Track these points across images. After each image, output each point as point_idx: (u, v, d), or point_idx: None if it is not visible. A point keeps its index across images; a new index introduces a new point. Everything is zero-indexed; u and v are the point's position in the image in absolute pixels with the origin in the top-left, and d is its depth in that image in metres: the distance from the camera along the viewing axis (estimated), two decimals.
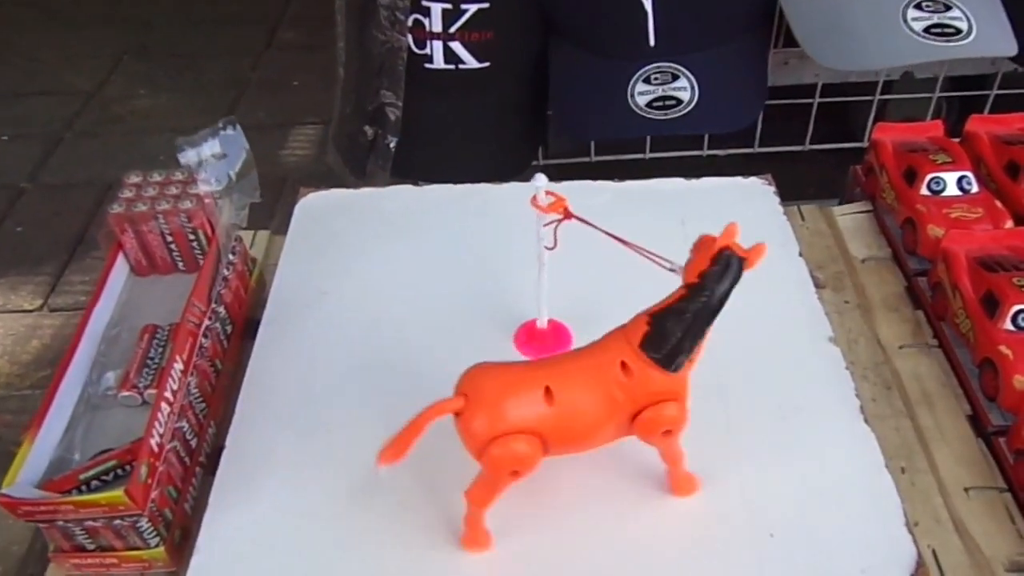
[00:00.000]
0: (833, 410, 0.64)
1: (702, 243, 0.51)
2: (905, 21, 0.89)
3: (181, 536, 0.59)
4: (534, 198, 0.59)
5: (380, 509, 0.59)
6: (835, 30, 0.92)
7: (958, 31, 0.88)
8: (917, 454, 0.64)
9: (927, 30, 0.88)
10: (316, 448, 0.63)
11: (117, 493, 0.52)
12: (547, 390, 0.50)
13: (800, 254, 0.76)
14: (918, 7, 0.89)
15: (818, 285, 0.76)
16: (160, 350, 0.67)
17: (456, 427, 0.52)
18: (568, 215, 0.57)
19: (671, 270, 0.52)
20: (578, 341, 0.70)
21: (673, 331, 0.50)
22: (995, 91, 1.12)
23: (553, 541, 0.57)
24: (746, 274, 0.50)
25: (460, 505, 0.56)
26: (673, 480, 0.58)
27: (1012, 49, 0.91)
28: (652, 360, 0.51)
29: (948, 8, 0.89)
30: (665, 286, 0.73)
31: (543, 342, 0.70)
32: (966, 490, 0.62)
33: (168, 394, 0.59)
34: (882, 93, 1.14)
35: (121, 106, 1.86)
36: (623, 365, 0.51)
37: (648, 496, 0.59)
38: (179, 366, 0.61)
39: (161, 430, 0.57)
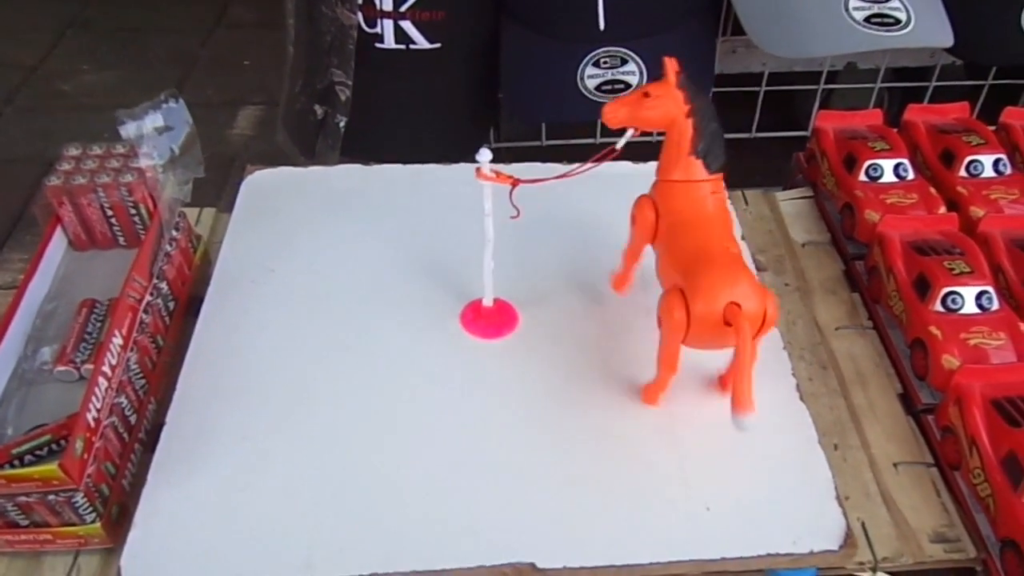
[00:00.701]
0: (770, 388, 0.65)
1: (654, 92, 0.59)
2: (847, 11, 0.91)
3: (118, 512, 0.58)
4: (478, 170, 0.60)
5: (322, 488, 0.59)
6: (781, 19, 0.93)
7: (897, 21, 0.91)
8: (850, 431, 0.66)
9: (868, 20, 0.91)
10: (258, 426, 0.63)
11: (51, 467, 0.51)
12: (728, 250, 0.58)
13: (743, 237, 0.78)
14: None
15: (760, 268, 0.78)
16: (98, 325, 0.66)
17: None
18: (516, 182, 0.60)
19: (621, 148, 0.61)
20: (523, 320, 0.70)
21: (716, 143, 0.60)
22: (934, 82, 1.15)
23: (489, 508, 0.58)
24: None
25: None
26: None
27: (948, 40, 0.94)
28: (722, 170, 0.61)
29: None
30: (605, 267, 0.74)
31: (489, 320, 0.70)
32: (895, 465, 0.64)
33: (106, 369, 0.58)
34: (826, 83, 1.16)
35: (64, 81, 1.80)
36: (715, 191, 0.61)
37: (589, 472, 0.60)
38: (118, 341, 0.60)
39: (98, 405, 0.56)
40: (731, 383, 0.55)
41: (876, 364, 0.71)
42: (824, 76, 1.15)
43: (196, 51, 1.89)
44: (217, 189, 0.76)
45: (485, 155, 0.60)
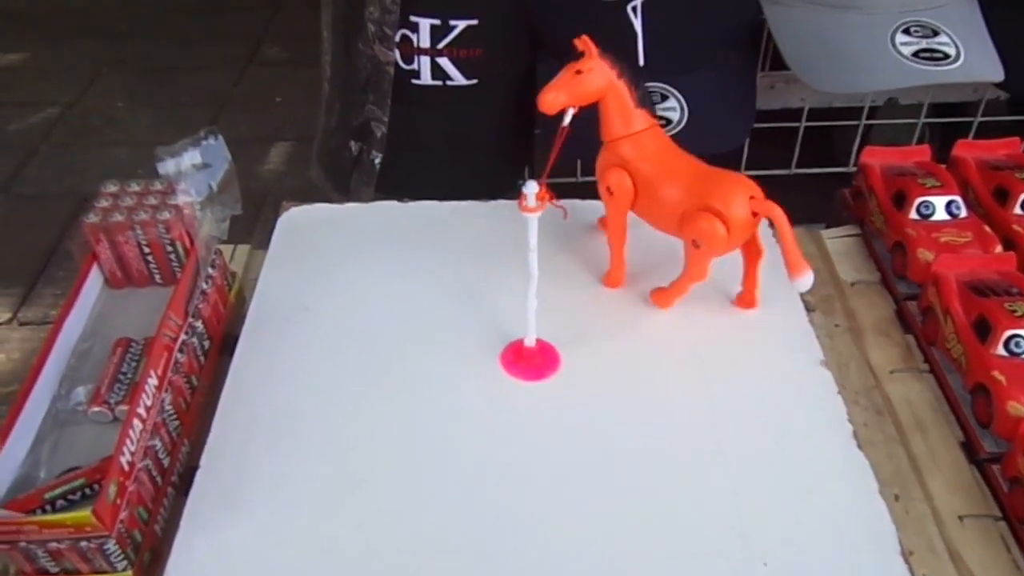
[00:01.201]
0: (826, 435, 0.63)
1: (584, 67, 0.64)
2: (894, 45, 0.89)
3: (151, 559, 0.56)
4: (522, 201, 0.59)
5: (360, 532, 0.57)
6: (825, 54, 0.92)
7: (946, 56, 0.89)
8: (911, 481, 0.63)
9: (916, 54, 0.89)
10: (294, 469, 0.61)
11: (84, 514, 0.49)
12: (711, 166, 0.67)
13: None
14: (907, 32, 0.90)
15: (808, 308, 0.75)
16: (133, 365, 0.64)
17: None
18: (547, 185, 0.61)
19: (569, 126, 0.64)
20: (565, 361, 0.68)
21: (646, 93, 0.68)
22: (979, 118, 1.13)
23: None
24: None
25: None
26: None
27: (999, 74, 0.92)
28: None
29: (936, 34, 0.90)
30: (650, 309, 0.72)
31: (531, 362, 0.68)
32: (960, 518, 0.61)
33: (141, 410, 0.56)
34: (866, 119, 1.14)
35: (99, 118, 1.83)
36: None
37: (639, 524, 0.57)
38: (153, 382, 0.59)
39: (132, 448, 0.55)
40: (783, 254, 0.64)
41: (934, 410, 0.68)
42: (865, 112, 1.13)
43: (229, 88, 1.91)
44: (249, 225, 0.75)
45: (532, 187, 0.58)
